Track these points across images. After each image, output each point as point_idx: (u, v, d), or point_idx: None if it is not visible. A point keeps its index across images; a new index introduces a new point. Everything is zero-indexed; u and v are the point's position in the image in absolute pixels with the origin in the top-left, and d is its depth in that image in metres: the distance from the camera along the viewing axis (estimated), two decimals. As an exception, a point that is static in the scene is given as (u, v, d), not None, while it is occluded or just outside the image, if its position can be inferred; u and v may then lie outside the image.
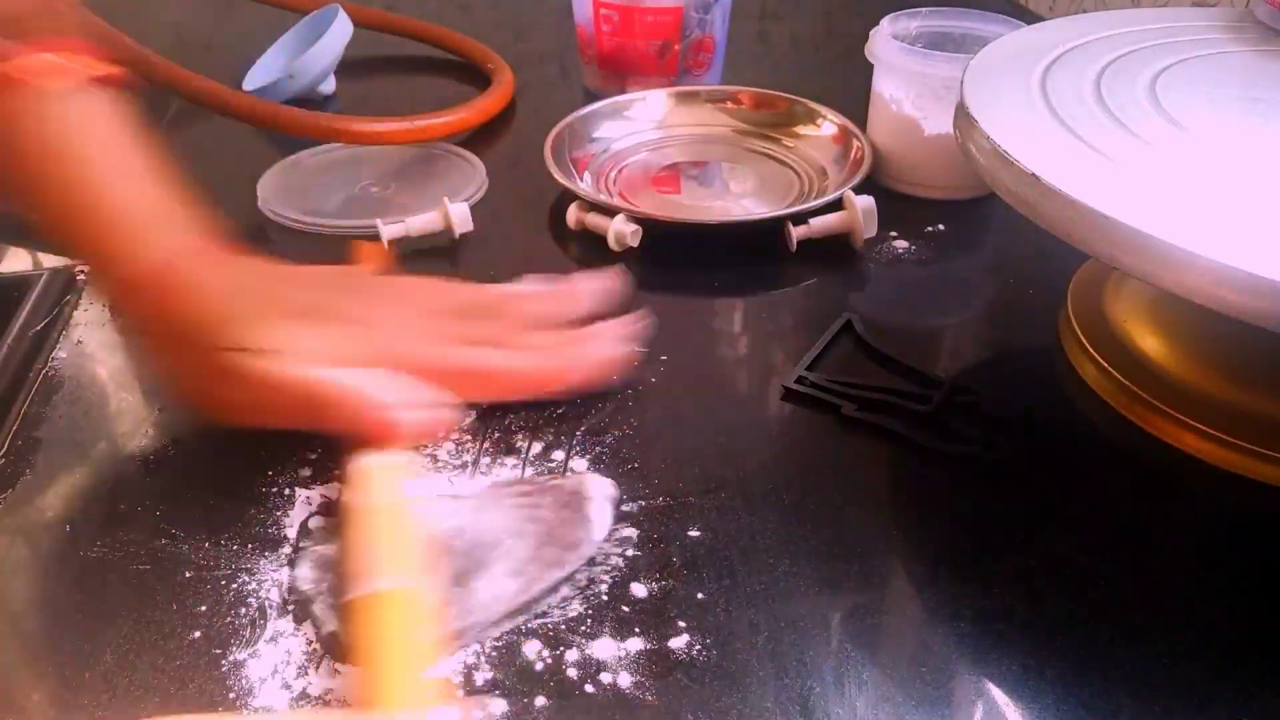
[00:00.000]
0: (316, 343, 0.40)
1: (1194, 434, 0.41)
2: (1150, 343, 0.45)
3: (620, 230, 0.55)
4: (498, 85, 0.74)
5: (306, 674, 0.32)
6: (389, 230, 0.56)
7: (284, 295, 0.42)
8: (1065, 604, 0.35)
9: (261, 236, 0.59)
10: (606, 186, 0.64)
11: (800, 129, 0.68)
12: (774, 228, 0.56)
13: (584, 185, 0.62)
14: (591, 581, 0.36)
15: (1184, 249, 0.33)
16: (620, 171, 0.65)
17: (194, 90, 0.63)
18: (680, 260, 0.56)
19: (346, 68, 0.78)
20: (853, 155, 0.63)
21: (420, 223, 0.56)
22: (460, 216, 0.56)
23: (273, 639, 0.34)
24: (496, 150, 0.70)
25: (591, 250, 0.56)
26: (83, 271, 0.55)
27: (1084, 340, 0.46)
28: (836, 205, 0.56)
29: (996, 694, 0.32)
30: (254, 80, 0.76)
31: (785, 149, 0.67)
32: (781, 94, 0.70)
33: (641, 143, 0.69)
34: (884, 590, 0.36)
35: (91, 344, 0.49)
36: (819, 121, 0.67)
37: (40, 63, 0.40)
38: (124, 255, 0.40)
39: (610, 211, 0.56)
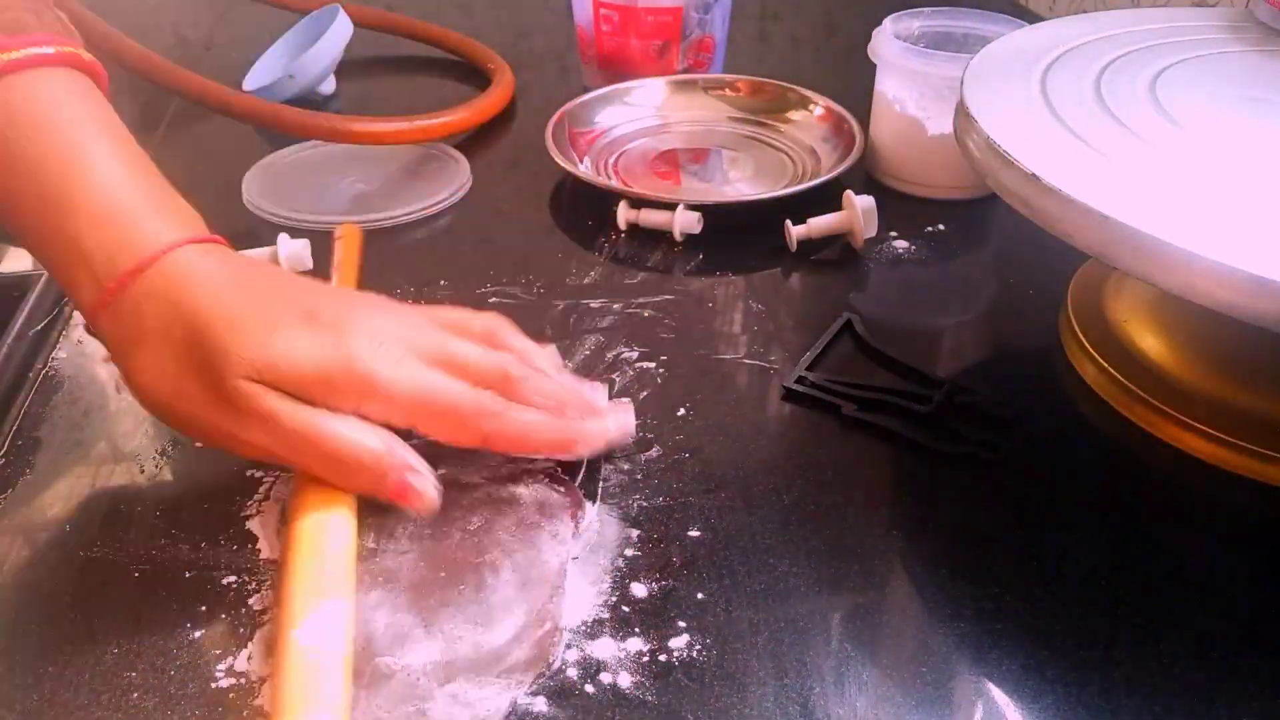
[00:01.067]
0: (327, 351, 0.35)
1: (1194, 434, 0.41)
2: (1150, 343, 0.45)
3: (686, 220, 0.56)
4: (498, 85, 0.74)
5: (306, 674, 0.32)
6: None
7: (296, 300, 0.37)
8: (1065, 604, 0.35)
9: (252, 235, 0.59)
10: (606, 171, 0.64)
11: (793, 114, 0.69)
12: (775, 224, 0.56)
13: (584, 168, 0.63)
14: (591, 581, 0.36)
15: (1184, 249, 0.33)
16: (619, 158, 0.66)
17: (194, 90, 0.63)
18: (679, 261, 0.56)
19: (346, 68, 0.78)
20: (843, 139, 0.65)
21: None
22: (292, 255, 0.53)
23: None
24: (496, 150, 0.70)
25: (591, 250, 0.57)
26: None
27: (1084, 340, 0.46)
28: (838, 199, 0.56)
29: (996, 694, 0.32)
30: (254, 80, 0.76)
31: (779, 135, 0.68)
32: (775, 81, 0.71)
33: (640, 129, 0.69)
34: (884, 590, 0.36)
35: (91, 344, 0.49)
36: (810, 107, 0.69)
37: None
38: (115, 248, 0.35)
39: (666, 205, 0.57)
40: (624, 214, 0.57)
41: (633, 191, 0.59)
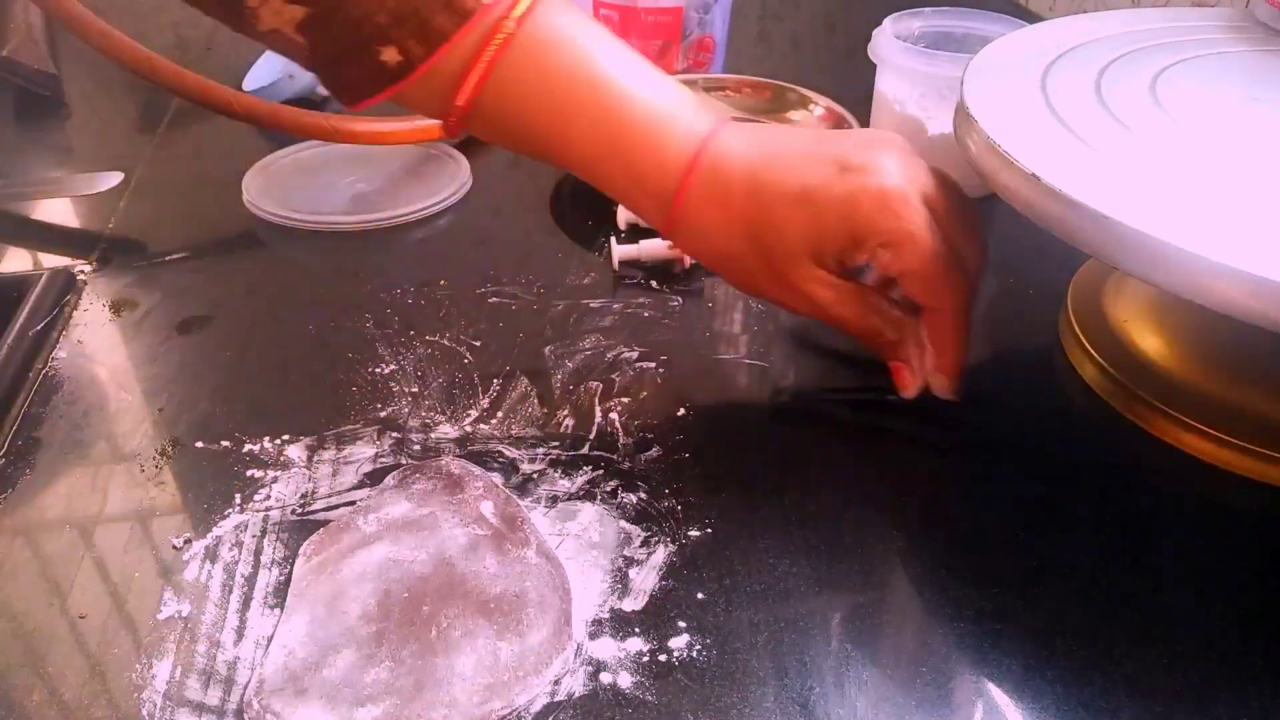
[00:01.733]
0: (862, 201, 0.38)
1: (1194, 434, 0.41)
2: (1150, 343, 0.45)
3: None
4: (498, 85, 0.73)
5: (306, 674, 0.32)
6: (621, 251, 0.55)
7: (824, 155, 0.39)
8: (1065, 604, 0.35)
9: (251, 235, 0.59)
10: None
11: (793, 114, 0.69)
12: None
13: None
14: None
15: (1183, 249, 0.33)
16: None
17: (194, 90, 0.63)
18: (678, 262, 0.56)
19: (346, 68, 0.78)
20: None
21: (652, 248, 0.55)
22: None
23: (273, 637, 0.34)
24: (496, 150, 0.70)
25: (591, 250, 0.57)
26: (82, 271, 0.55)
27: (1084, 340, 0.46)
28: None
29: (996, 694, 0.32)
30: (254, 80, 0.76)
31: None
32: (775, 81, 0.71)
33: None
34: (884, 590, 0.36)
35: (91, 344, 0.49)
36: (810, 107, 0.69)
37: None
38: (662, 167, 0.39)
39: None
40: (624, 214, 0.57)
41: None
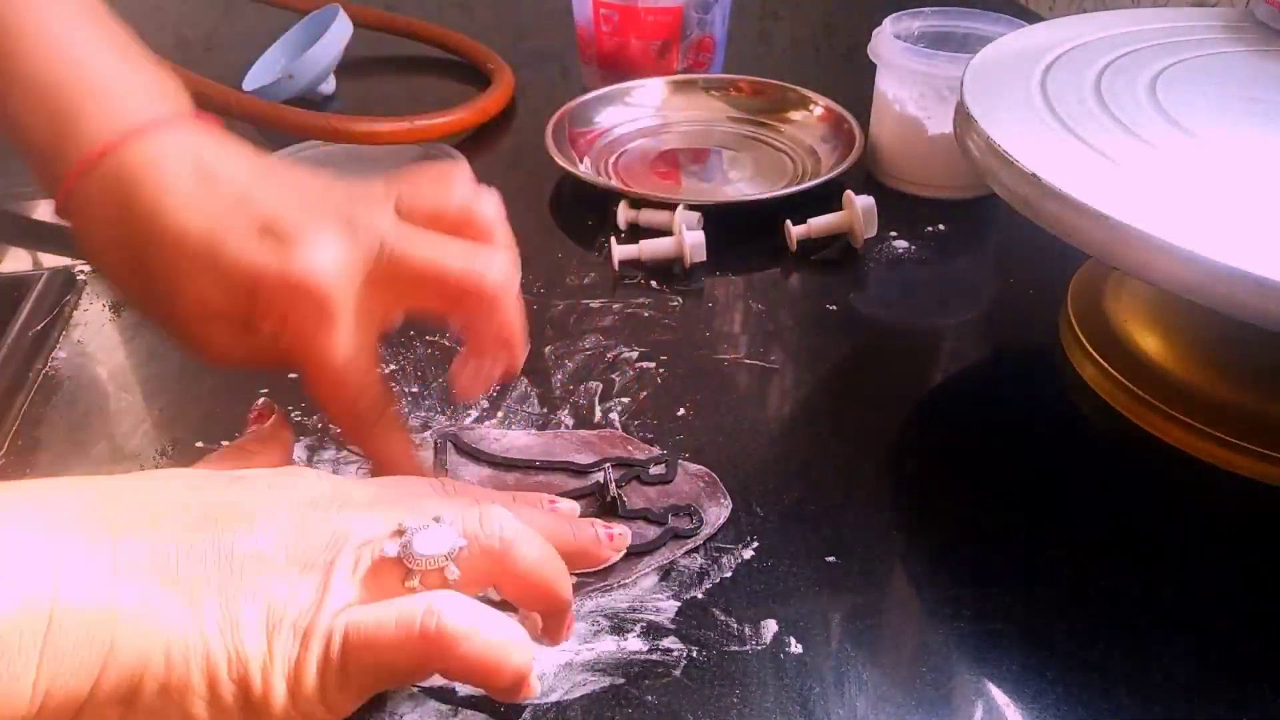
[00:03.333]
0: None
1: (1194, 434, 0.41)
2: (1150, 343, 0.45)
3: (687, 220, 0.55)
4: (498, 85, 0.74)
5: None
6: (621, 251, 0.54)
7: (259, 208, 0.31)
8: (1065, 604, 0.35)
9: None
10: (606, 171, 0.64)
11: (793, 114, 0.69)
12: (775, 224, 0.56)
13: (584, 168, 0.63)
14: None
15: (1184, 249, 0.33)
16: (619, 158, 0.66)
17: (194, 90, 0.63)
18: (678, 261, 0.56)
19: (346, 68, 0.78)
20: (843, 139, 0.64)
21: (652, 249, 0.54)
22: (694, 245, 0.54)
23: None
24: (496, 150, 0.70)
25: (591, 250, 0.57)
26: (82, 271, 0.55)
27: (1084, 340, 0.46)
28: (838, 199, 0.56)
29: (996, 694, 0.32)
30: (254, 80, 0.76)
31: (779, 135, 0.68)
32: (775, 81, 0.71)
33: (640, 129, 0.69)
34: (884, 590, 0.36)
35: (91, 344, 0.49)
36: (810, 107, 0.69)
37: None
38: (96, 120, 0.31)
39: (665, 206, 0.56)
40: (624, 214, 0.57)
41: (633, 191, 0.59)
